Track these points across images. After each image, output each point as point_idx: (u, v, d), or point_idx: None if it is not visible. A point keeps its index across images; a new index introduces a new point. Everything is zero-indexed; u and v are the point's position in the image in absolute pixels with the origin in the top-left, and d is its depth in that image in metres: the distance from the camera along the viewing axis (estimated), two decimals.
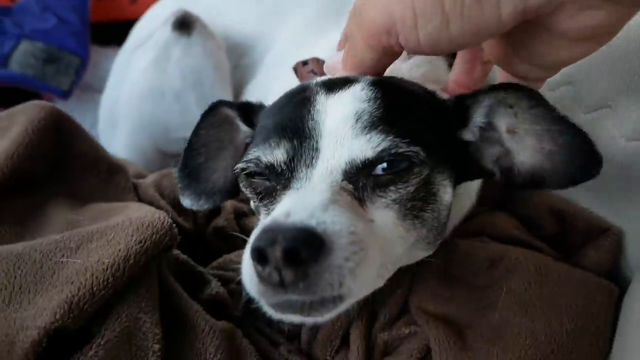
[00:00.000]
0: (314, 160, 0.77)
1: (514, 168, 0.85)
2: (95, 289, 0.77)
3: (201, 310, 0.90)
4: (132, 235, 0.83)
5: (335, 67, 0.89)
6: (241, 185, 0.89)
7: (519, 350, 0.85)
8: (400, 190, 0.77)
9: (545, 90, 1.20)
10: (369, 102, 0.79)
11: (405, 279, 0.96)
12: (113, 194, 1.10)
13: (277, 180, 0.80)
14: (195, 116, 1.01)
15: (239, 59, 1.72)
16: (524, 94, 0.81)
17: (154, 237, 0.84)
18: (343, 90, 0.82)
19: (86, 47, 2.08)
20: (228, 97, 1.65)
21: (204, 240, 1.20)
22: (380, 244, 0.74)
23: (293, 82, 1.00)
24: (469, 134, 0.87)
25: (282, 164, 0.79)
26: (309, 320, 0.74)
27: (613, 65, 1.02)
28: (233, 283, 0.97)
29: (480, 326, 0.90)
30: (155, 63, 1.60)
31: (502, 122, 0.84)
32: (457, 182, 0.87)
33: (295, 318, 0.72)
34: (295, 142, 0.79)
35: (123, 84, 1.71)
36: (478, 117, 0.85)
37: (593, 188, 1.07)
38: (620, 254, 1.03)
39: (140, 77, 1.63)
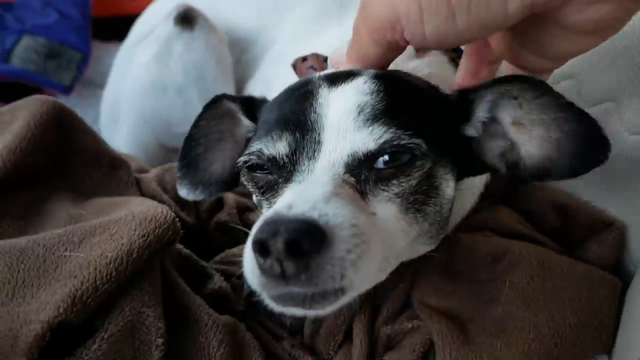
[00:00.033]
0: (316, 153, 0.77)
1: (519, 162, 0.84)
2: (98, 283, 0.77)
3: (204, 304, 0.90)
4: (135, 230, 0.83)
5: (339, 61, 0.89)
6: (243, 179, 0.89)
7: (522, 344, 0.85)
8: (402, 184, 0.77)
9: (548, 84, 1.20)
10: (371, 95, 0.79)
11: (407, 273, 0.96)
12: (115, 189, 1.10)
13: (279, 173, 0.80)
14: (197, 111, 1.01)
15: (241, 54, 1.72)
16: (529, 85, 0.80)
17: (157, 231, 0.84)
18: (345, 84, 0.82)
19: (88, 43, 2.08)
20: (230, 91, 1.65)
21: (207, 234, 1.20)
22: (382, 237, 0.74)
23: (294, 78, 1.00)
24: (472, 130, 0.86)
25: (285, 157, 0.79)
26: (311, 312, 0.73)
27: (616, 59, 1.02)
28: (235, 277, 0.97)
29: (483, 320, 0.90)
30: (158, 58, 1.60)
31: (507, 115, 0.84)
32: (460, 177, 0.87)
33: (296, 311, 0.72)
34: (297, 134, 0.79)
35: (125, 79, 1.71)
36: (481, 112, 0.85)
37: (597, 181, 1.07)
38: (623, 248, 1.03)
39: (143, 72, 1.63)
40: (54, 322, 0.72)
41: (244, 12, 1.75)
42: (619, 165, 1.01)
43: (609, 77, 1.05)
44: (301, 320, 0.97)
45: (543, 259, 0.95)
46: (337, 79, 0.83)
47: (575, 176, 0.81)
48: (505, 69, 0.89)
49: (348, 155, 0.76)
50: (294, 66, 1.06)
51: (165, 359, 0.80)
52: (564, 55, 0.79)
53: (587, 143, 0.79)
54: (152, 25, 1.71)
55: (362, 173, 0.76)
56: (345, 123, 0.77)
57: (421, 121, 0.79)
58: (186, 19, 1.57)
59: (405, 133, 0.75)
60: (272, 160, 0.80)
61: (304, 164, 0.77)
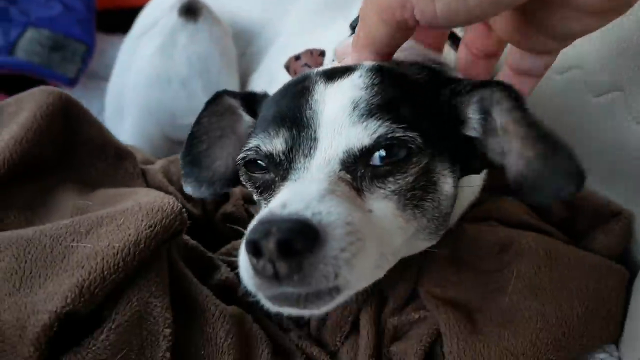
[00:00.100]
0: (312, 150, 0.76)
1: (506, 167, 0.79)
2: (105, 273, 0.76)
3: (211, 295, 0.90)
4: (142, 220, 0.83)
5: (345, 51, 0.88)
6: (242, 178, 0.88)
7: (529, 333, 0.85)
8: (399, 181, 0.76)
9: (554, 73, 1.20)
10: (366, 90, 0.78)
11: (413, 264, 0.96)
12: (121, 180, 1.10)
13: (276, 171, 0.80)
14: (201, 102, 1.00)
15: (245, 47, 1.72)
16: (509, 94, 0.76)
17: (163, 221, 0.84)
18: (341, 79, 0.81)
19: (92, 35, 2.08)
20: (234, 83, 1.65)
21: (213, 226, 1.19)
22: (378, 234, 0.73)
23: None
24: (471, 130, 0.84)
25: (281, 154, 0.78)
26: (305, 312, 0.73)
27: (623, 48, 1.01)
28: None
29: (490, 310, 0.90)
30: (162, 49, 1.59)
31: (497, 117, 0.79)
32: (462, 174, 0.86)
33: (291, 310, 0.71)
34: (294, 131, 0.78)
35: (129, 71, 1.70)
36: (472, 114, 0.82)
37: (604, 171, 1.07)
38: (631, 237, 1.02)
39: (147, 64, 1.62)
40: (62, 313, 0.72)
41: (249, 5, 1.74)
42: (626, 154, 1.00)
43: (616, 67, 1.04)
44: None
45: (550, 249, 0.95)
46: (333, 74, 0.83)
47: (544, 204, 0.75)
48: (509, 53, 0.88)
49: (343, 152, 0.75)
50: (287, 67, 1.05)
51: (173, 349, 0.80)
52: (570, 35, 0.78)
53: (559, 168, 0.72)
54: (156, 17, 1.71)
55: (358, 170, 0.75)
56: (341, 119, 0.76)
57: (417, 114, 0.78)
58: (190, 10, 1.57)
59: (400, 126, 0.74)
60: (269, 157, 0.80)
61: (300, 161, 0.76)
